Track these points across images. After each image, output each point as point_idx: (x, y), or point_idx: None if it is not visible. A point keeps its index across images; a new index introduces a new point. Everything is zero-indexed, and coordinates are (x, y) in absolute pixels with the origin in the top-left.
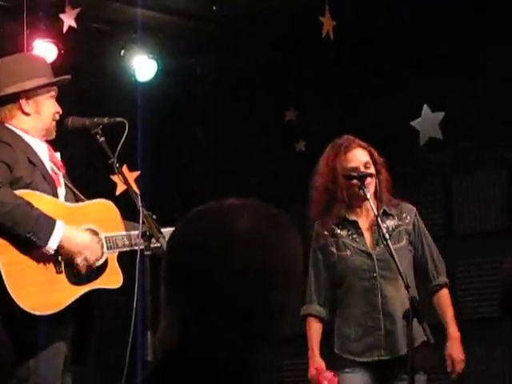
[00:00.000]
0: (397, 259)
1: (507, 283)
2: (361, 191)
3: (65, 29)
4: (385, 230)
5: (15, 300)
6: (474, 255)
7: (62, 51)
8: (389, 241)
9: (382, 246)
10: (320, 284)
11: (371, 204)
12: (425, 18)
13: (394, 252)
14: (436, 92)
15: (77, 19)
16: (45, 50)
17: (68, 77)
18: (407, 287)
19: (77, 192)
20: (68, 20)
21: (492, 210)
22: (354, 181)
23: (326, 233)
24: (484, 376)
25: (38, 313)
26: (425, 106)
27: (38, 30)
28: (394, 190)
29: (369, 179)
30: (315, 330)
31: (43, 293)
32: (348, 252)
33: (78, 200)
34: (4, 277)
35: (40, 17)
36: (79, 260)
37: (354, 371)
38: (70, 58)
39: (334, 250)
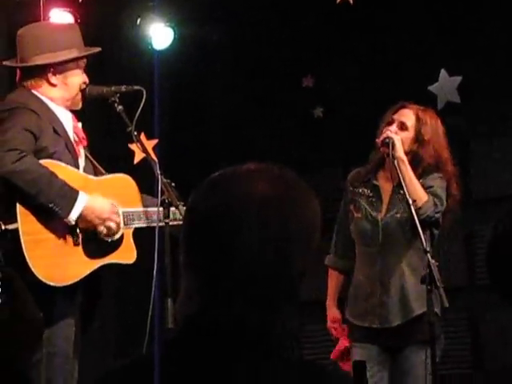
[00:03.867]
0: (418, 224)
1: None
2: (389, 157)
3: None
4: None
5: (32, 269)
6: (491, 220)
7: (79, 20)
8: (411, 206)
9: (392, 213)
10: (340, 236)
11: (398, 171)
12: None
13: (416, 217)
14: (453, 56)
15: None
16: (61, 19)
17: (98, 49)
18: (426, 251)
19: (97, 164)
20: None
21: (510, 175)
22: (385, 148)
23: (351, 189)
24: (499, 340)
25: (52, 283)
26: (442, 70)
27: None
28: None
29: (397, 144)
30: (332, 280)
31: (60, 264)
32: (360, 214)
33: (96, 173)
34: (23, 246)
35: None
36: (100, 229)
37: (363, 345)
38: (86, 27)
39: (352, 208)
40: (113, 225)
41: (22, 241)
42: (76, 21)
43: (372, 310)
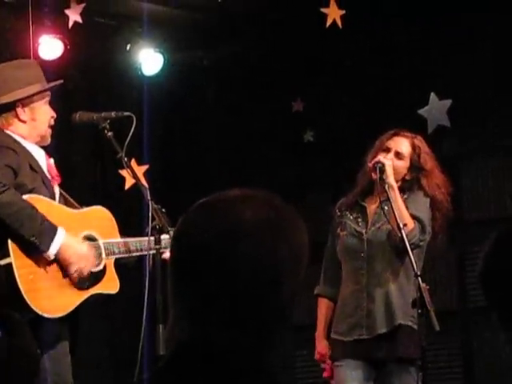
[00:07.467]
0: (409, 248)
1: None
2: (380, 181)
3: (70, 24)
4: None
5: (28, 302)
6: (482, 242)
7: (68, 47)
8: (403, 230)
9: (376, 226)
10: (329, 264)
11: (389, 194)
12: (432, 6)
13: (407, 242)
14: (443, 80)
15: (82, 14)
16: (51, 46)
17: (61, 81)
18: (417, 275)
19: (71, 200)
20: (73, 15)
21: (501, 197)
22: (375, 173)
23: (338, 213)
24: (492, 363)
25: (46, 315)
26: (432, 93)
27: (43, 26)
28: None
29: (388, 169)
30: (322, 309)
31: (53, 297)
32: (345, 232)
33: (71, 208)
34: (18, 279)
35: (45, 13)
36: (73, 270)
37: (345, 362)
38: (76, 54)
39: (338, 231)
40: (86, 268)
41: (16, 275)
42: (66, 47)
43: (359, 323)
